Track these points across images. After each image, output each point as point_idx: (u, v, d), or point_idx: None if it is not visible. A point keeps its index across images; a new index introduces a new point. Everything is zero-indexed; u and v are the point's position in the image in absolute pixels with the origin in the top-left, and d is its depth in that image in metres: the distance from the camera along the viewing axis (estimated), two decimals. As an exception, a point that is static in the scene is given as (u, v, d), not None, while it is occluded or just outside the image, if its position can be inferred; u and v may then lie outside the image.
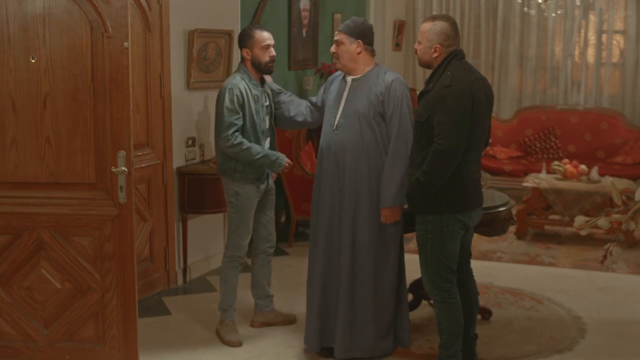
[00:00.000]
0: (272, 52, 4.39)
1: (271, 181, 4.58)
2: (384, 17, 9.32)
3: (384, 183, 3.99)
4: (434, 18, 3.80)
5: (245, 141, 4.28)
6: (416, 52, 3.86)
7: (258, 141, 4.35)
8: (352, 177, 4.03)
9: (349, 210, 4.06)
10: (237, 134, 4.27)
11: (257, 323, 4.70)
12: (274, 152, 4.39)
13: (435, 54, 3.75)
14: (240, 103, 4.28)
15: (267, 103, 4.47)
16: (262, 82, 4.47)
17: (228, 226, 4.53)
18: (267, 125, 4.48)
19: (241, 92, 4.28)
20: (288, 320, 4.74)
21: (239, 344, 4.43)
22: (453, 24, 3.77)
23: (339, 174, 4.06)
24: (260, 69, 4.39)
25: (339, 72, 4.26)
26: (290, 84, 7.39)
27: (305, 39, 7.60)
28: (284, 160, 4.40)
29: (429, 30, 3.76)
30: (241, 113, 4.28)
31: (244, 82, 4.33)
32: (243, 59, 4.41)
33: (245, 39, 4.38)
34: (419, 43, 3.81)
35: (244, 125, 4.31)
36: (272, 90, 4.54)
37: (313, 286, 4.22)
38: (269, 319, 4.70)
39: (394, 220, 4.04)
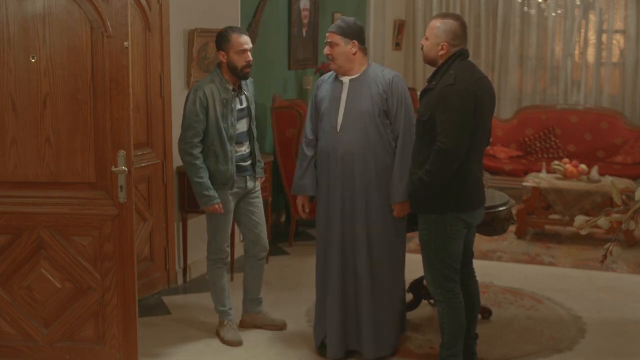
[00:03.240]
0: (249, 56, 4.29)
1: (252, 184, 4.50)
2: (384, 17, 9.32)
3: (394, 178, 3.99)
4: (444, 16, 3.80)
5: (198, 157, 4.24)
6: (422, 48, 3.85)
7: (223, 145, 4.27)
8: (361, 177, 4.02)
9: (361, 210, 4.04)
10: (195, 139, 4.24)
11: (244, 324, 4.68)
12: (210, 189, 4.26)
13: (442, 52, 3.74)
14: (204, 105, 4.23)
15: (243, 106, 4.40)
16: (240, 85, 4.39)
17: (207, 230, 4.50)
18: (244, 129, 4.42)
19: (205, 94, 4.23)
20: (275, 326, 4.65)
21: (238, 344, 4.43)
22: (462, 24, 3.77)
23: (348, 176, 4.03)
24: (236, 74, 4.30)
25: (326, 75, 4.22)
26: (290, 83, 7.39)
27: (305, 39, 7.60)
28: (213, 202, 4.26)
29: (437, 27, 3.75)
30: (203, 116, 4.23)
31: (212, 85, 4.28)
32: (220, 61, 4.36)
33: (222, 42, 4.29)
34: (427, 39, 3.80)
35: (207, 128, 4.26)
36: None
37: (330, 292, 4.15)
38: (256, 322, 4.67)
39: (405, 213, 4.06)
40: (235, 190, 4.41)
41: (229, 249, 4.53)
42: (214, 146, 4.28)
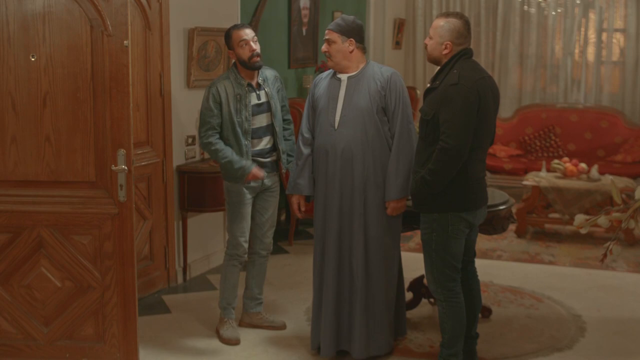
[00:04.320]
0: (252, 47, 4.31)
1: (269, 181, 4.49)
2: (384, 16, 9.32)
3: (389, 175, 3.98)
4: (447, 15, 3.79)
5: (216, 142, 4.29)
6: (426, 47, 3.85)
7: (237, 140, 4.31)
8: (360, 174, 4.01)
9: (359, 208, 4.03)
10: (210, 132, 4.29)
11: (243, 323, 4.68)
12: (241, 161, 4.29)
13: (446, 51, 3.74)
14: (218, 101, 4.29)
15: (262, 101, 4.41)
16: (258, 81, 4.40)
17: (227, 224, 4.54)
18: (263, 125, 4.42)
19: (218, 90, 4.29)
20: (275, 327, 4.64)
21: (236, 342, 4.43)
22: (466, 23, 3.76)
23: (347, 173, 4.02)
24: (247, 66, 4.33)
25: (324, 74, 4.22)
26: (290, 82, 7.39)
27: (305, 38, 7.60)
28: (249, 170, 4.28)
29: (441, 27, 3.74)
30: (217, 111, 4.29)
31: (226, 81, 4.33)
32: None
33: (227, 41, 4.37)
34: (430, 38, 3.80)
35: (222, 124, 4.32)
36: None
37: (326, 291, 4.13)
38: (254, 322, 4.67)
39: (400, 212, 4.06)
40: (252, 184, 4.41)
41: (246, 245, 4.50)
42: (229, 140, 4.33)
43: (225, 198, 4.50)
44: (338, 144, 4.02)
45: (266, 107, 4.44)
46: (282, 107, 4.58)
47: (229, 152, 4.29)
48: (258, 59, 4.34)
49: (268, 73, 4.49)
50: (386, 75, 4.02)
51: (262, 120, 4.42)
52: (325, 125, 4.07)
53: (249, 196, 4.43)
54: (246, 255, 4.55)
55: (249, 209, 4.47)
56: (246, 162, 4.30)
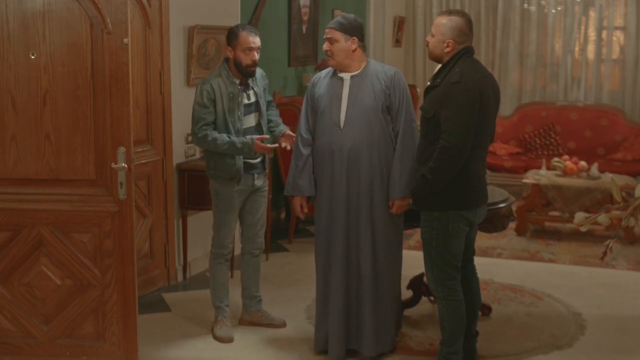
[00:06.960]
0: (255, 56, 4.29)
1: (259, 182, 4.50)
2: (384, 14, 9.31)
3: (394, 173, 3.97)
4: (450, 12, 3.78)
5: (210, 133, 4.23)
6: (427, 45, 3.84)
7: None
8: (367, 173, 3.99)
9: (366, 207, 4.02)
10: (204, 127, 4.24)
11: (243, 321, 4.68)
12: (240, 138, 4.27)
13: (448, 49, 3.73)
14: (212, 98, 4.25)
15: (251, 101, 4.40)
16: (247, 79, 4.39)
17: (212, 225, 4.52)
18: (252, 125, 4.41)
19: (212, 88, 4.25)
20: (275, 325, 4.64)
21: (229, 340, 4.42)
22: (468, 21, 3.75)
23: (353, 172, 4.00)
24: (241, 71, 4.31)
25: (322, 73, 4.19)
26: (290, 80, 7.39)
27: (305, 36, 7.59)
28: (252, 142, 4.26)
29: (443, 25, 3.73)
30: (212, 108, 4.25)
31: (219, 78, 4.30)
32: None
33: (231, 38, 4.32)
34: (432, 36, 3.79)
35: (215, 122, 4.28)
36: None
37: (333, 292, 4.11)
38: (255, 320, 4.67)
39: (404, 209, 4.05)
40: (242, 187, 4.40)
41: (231, 246, 4.53)
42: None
43: (213, 201, 4.47)
44: (345, 144, 3.99)
45: (255, 107, 4.43)
46: (269, 102, 4.58)
47: (225, 137, 4.25)
48: (254, 68, 4.34)
49: (256, 71, 4.46)
50: (390, 74, 4.01)
51: (250, 121, 4.41)
52: (329, 125, 4.04)
53: (238, 200, 4.43)
54: (230, 254, 4.56)
55: (236, 214, 4.48)
56: (245, 139, 4.27)
